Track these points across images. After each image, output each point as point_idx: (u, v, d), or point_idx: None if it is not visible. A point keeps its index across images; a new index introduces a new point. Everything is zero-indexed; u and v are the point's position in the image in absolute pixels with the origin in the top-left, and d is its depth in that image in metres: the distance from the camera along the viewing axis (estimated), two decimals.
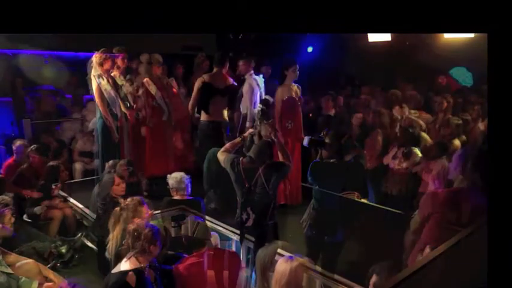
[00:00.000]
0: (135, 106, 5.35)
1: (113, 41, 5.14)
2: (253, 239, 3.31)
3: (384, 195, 5.01)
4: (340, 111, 6.16)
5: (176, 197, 4.04)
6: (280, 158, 3.34)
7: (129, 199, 3.33)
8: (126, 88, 5.27)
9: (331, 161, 3.46)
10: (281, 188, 4.75)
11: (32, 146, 5.22)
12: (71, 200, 5.15)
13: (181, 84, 5.99)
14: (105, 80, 4.78)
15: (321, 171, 3.46)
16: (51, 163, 5.07)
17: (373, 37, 6.43)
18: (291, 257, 2.20)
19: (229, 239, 4.21)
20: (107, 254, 3.18)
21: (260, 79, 5.44)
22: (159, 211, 4.09)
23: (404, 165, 4.80)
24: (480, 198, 3.47)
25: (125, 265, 2.65)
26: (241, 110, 5.30)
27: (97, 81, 4.72)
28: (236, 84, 5.27)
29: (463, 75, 6.68)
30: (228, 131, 5.31)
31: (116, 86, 4.98)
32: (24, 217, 4.67)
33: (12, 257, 3.01)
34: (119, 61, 5.14)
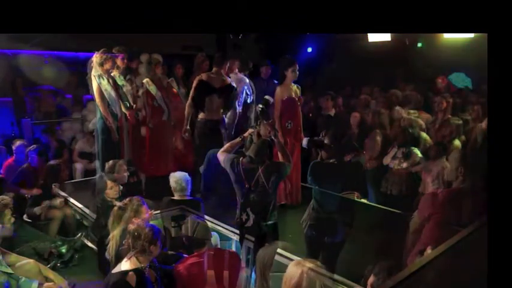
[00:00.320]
0: (135, 106, 5.35)
1: (113, 41, 5.14)
2: (253, 239, 3.30)
3: (383, 195, 5.01)
4: (340, 111, 6.16)
5: (176, 197, 4.05)
6: (280, 158, 3.34)
7: (128, 199, 3.33)
8: (126, 88, 5.27)
9: (331, 161, 3.46)
10: (281, 188, 4.75)
11: (31, 146, 5.22)
12: (71, 200, 5.16)
13: (181, 84, 5.98)
14: (105, 80, 4.78)
15: (320, 172, 3.46)
16: (51, 162, 5.07)
17: (373, 37, 6.43)
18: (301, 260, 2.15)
19: (229, 239, 4.21)
20: (107, 254, 3.19)
21: (246, 79, 5.52)
22: (159, 211, 4.10)
23: (404, 165, 4.80)
24: (480, 198, 3.47)
25: (125, 265, 2.65)
26: (237, 109, 5.33)
27: (97, 81, 4.72)
28: (233, 84, 5.28)
29: (462, 81, 6.68)
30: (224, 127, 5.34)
31: (116, 86, 4.99)
32: (24, 217, 4.68)
33: (12, 257, 3.01)
34: (118, 61, 5.14)
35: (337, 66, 7.78)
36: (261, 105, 4.55)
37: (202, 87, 5.07)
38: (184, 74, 6.04)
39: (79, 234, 4.46)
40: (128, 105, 5.21)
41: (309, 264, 1.99)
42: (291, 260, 3.55)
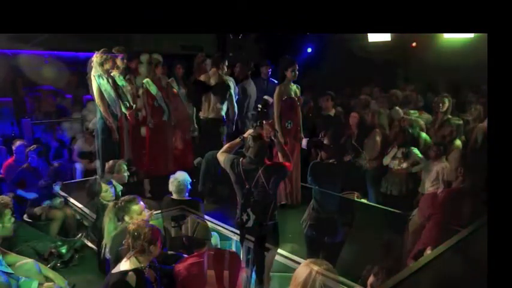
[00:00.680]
0: (135, 106, 5.35)
1: (113, 41, 5.15)
2: (253, 239, 3.30)
3: (383, 195, 5.01)
4: (340, 112, 6.16)
5: (176, 197, 4.05)
6: (280, 158, 3.34)
7: (123, 197, 3.34)
8: (126, 88, 5.27)
9: (331, 161, 3.46)
10: (281, 188, 4.76)
11: (31, 146, 5.22)
12: (71, 199, 5.16)
13: (181, 84, 5.99)
14: (105, 80, 4.78)
15: (320, 172, 3.46)
16: (55, 165, 5.09)
17: (373, 37, 6.43)
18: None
19: (229, 239, 4.21)
20: (106, 254, 3.19)
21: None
22: (159, 211, 4.10)
23: (404, 165, 4.81)
24: (480, 198, 3.47)
25: (125, 265, 2.65)
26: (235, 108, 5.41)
27: (97, 81, 4.72)
28: (228, 83, 5.33)
29: None
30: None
31: (115, 86, 4.99)
32: (25, 217, 4.67)
33: (12, 257, 3.01)
34: (118, 61, 5.14)
35: (337, 66, 7.77)
36: (260, 106, 4.55)
37: (197, 86, 5.28)
38: (184, 74, 6.03)
39: (79, 235, 4.46)
40: (128, 105, 5.21)
41: (317, 265, 1.98)
42: (292, 260, 3.57)
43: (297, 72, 4.87)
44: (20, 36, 5.64)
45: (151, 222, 3.12)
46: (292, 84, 4.95)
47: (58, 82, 7.04)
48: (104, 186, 4.06)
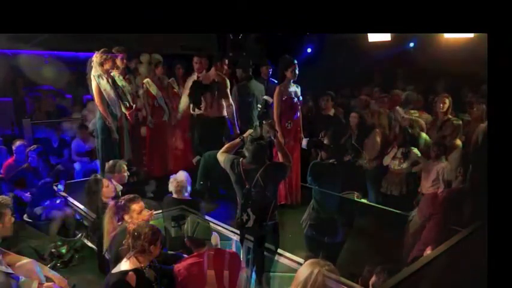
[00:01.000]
0: (134, 106, 5.35)
1: (113, 41, 5.14)
2: (253, 239, 3.30)
3: (383, 195, 5.01)
4: (339, 112, 6.16)
5: (176, 196, 4.05)
6: (280, 158, 3.34)
7: (123, 196, 3.34)
8: (126, 88, 5.27)
9: (331, 161, 3.46)
10: (281, 188, 4.75)
11: (31, 146, 5.22)
12: (71, 200, 5.16)
13: (181, 84, 5.99)
14: (105, 80, 4.78)
15: (320, 172, 3.46)
16: (59, 167, 5.10)
17: (373, 37, 6.42)
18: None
19: (229, 239, 4.21)
20: (106, 254, 3.19)
21: None
22: (159, 211, 4.10)
23: (404, 165, 4.81)
24: (479, 198, 3.47)
25: (125, 265, 2.65)
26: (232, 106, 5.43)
27: (96, 81, 4.72)
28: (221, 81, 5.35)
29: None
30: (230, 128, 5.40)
31: (115, 86, 4.98)
32: (25, 217, 4.67)
33: (12, 257, 3.01)
34: (118, 61, 5.14)
35: (337, 66, 7.77)
36: (260, 106, 4.55)
37: (195, 86, 5.34)
38: (184, 74, 6.03)
39: (79, 235, 4.46)
40: (128, 105, 5.21)
41: (320, 266, 1.99)
42: (292, 260, 3.57)
43: (297, 72, 4.87)
44: (20, 36, 5.63)
45: (151, 222, 3.12)
46: (292, 84, 4.95)
47: (58, 82, 7.03)
48: (105, 182, 4.05)
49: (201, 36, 7.76)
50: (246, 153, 3.19)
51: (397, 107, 5.75)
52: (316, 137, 3.74)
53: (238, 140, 3.40)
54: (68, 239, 4.38)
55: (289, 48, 7.15)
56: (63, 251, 4.14)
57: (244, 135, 3.37)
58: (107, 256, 3.19)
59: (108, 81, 4.81)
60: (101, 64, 4.69)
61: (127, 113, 5.19)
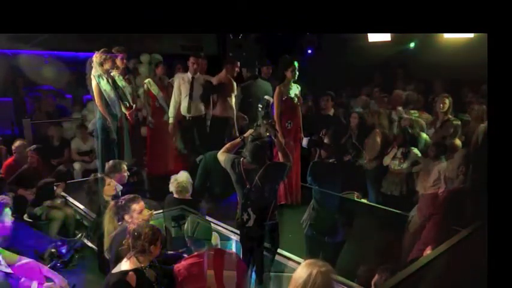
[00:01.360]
0: (134, 106, 5.35)
1: (113, 41, 5.15)
2: (253, 239, 3.30)
3: (384, 195, 5.01)
4: (339, 112, 6.17)
5: (178, 196, 4.05)
6: (281, 158, 3.34)
7: (123, 196, 3.34)
8: (126, 88, 5.28)
9: (331, 161, 3.46)
10: (281, 188, 4.75)
11: (31, 146, 5.22)
12: (71, 200, 5.16)
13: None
14: (105, 80, 4.78)
15: (320, 172, 3.46)
16: (60, 168, 5.10)
17: (373, 37, 6.42)
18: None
19: (229, 239, 4.21)
20: (106, 254, 3.19)
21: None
22: (159, 211, 4.10)
23: (404, 165, 4.81)
24: (479, 198, 3.46)
25: (125, 265, 2.65)
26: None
27: (96, 81, 4.72)
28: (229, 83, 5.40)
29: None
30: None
31: (115, 86, 4.99)
32: (25, 217, 4.67)
33: (12, 256, 3.01)
34: (118, 61, 5.15)
35: (337, 66, 7.77)
36: (261, 106, 4.55)
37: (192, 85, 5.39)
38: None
39: (79, 235, 4.46)
40: (128, 105, 5.21)
41: (318, 267, 1.93)
42: (292, 260, 3.57)
43: (297, 72, 4.87)
44: (20, 36, 5.63)
45: (151, 222, 3.12)
46: (292, 84, 4.95)
47: (58, 82, 7.03)
48: (107, 180, 4.05)
49: (201, 36, 7.77)
50: (247, 153, 3.19)
51: (399, 107, 5.75)
52: (317, 135, 3.72)
53: (238, 139, 3.40)
54: (68, 239, 4.38)
55: (289, 48, 7.16)
56: (63, 251, 4.14)
57: (245, 135, 3.37)
58: (106, 256, 3.19)
59: (108, 81, 4.81)
60: (101, 64, 4.69)
61: (127, 113, 5.19)
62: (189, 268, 2.91)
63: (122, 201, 3.26)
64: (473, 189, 3.74)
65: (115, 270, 2.66)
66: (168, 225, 3.95)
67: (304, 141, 4.85)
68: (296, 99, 4.98)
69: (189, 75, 5.36)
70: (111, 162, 4.33)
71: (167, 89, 5.82)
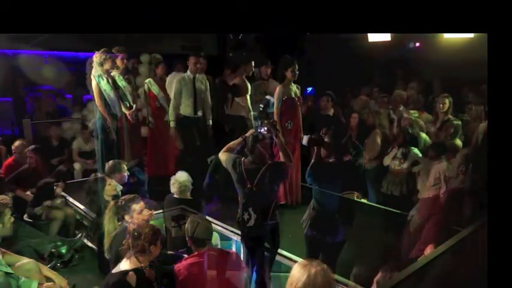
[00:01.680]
0: (135, 106, 5.35)
1: (113, 41, 5.14)
2: (254, 238, 3.30)
3: (384, 195, 5.02)
4: (339, 112, 6.17)
5: (178, 196, 4.05)
6: (282, 158, 3.34)
7: (125, 196, 3.34)
8: (126, 88, 5.28)
9: (330, 160, 3.45)
10: (281, 188, 4.75)
11: (31, 146, 5.22)
12: (71, 200, 5.16)
13: None
14: (105, 80, 4.78)
15: (320, 172, 3.46)
16: (60, 168, 5.09)
17: (373, 37, 6.42)
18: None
19: (229, 239, 4.21)
20: (106, 254, 3.19)
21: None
22: (159, 211, 4.10)
23: (404, 165, 4.81)
24: (480, 198, 3.47)
25: (125, 265, 2.65)
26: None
27: (96, 81, 4.72)
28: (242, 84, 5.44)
29: None
30: None
31: (115, 86, 4.98)
32: (25, 217, 4.67)
33: (12, 256, 3.01)
34: (118, 61, 5.15)
35: (337, 66, 7.77)
36: (262, 106, 4.55)
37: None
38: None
39: (79, 235, 4.46)
40: (128, 105, 5.21)
41: (314, 267, 1.86)
42: (292, 260, 3.57)
43: (297, 72, 4.87)
44: (20, 36, 5.63)
45: (151, 222, 3.13)
46: (292, 84, 4.96)
47: (58, 82, 7.04)
48: (108, 179, 4.05)
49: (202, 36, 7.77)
50: (249, 152, 3.20)
51: (400, 107, 5.75)
52: (317, 134, 3.72)
53: (240, 139, 3.41)
54: (68, 239, 4.38)
55: (289, 48, 7.15)
56: (63, 251, 4.14)
57: (246, 134, 3.37)
58: (106, 256, 3.19)
59: (108, 81, 4.81)
60: (101, 64, 4.69)
61: (127, 113, 5.19)
62: (189, 268, 2.91)
63: (122, 201, 3.26)
64: (473, 189, 3.74)
65: (115, 270, 2.66)
66: (168, 225, 3.95)
67: (305, 140, 4.84)
68: (296, 99, 4.98)
69: (189, 75, 5.25)
70: (111, 162, 4.34)
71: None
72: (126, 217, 3.22)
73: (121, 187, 4.24)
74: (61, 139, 6.44)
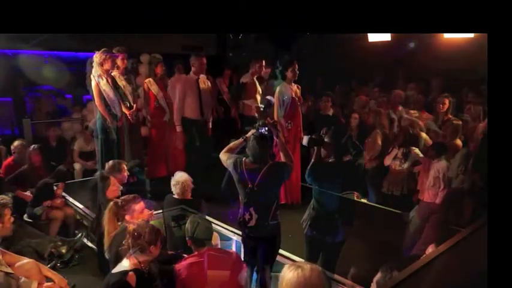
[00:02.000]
0: (135, 106, 5.35)
1: (113, 41, 5.15)
2: (255, 238, 3.30)
3: (384, 195, 5.02)
4: (338, 112, 6.17)
5: (179, 197, 4.05)
6: (282, 158, 3.34)
7: (125, 196, 3.34)
8: (127, 88, 5.28)
9: (330, 160, 3.45)
10: (281, 187, 4.75)
11: (31, 146, 5.22)
12: (71, 200, 5.16)
13: None
14: (105, 80, 4.78)
15: (320, 172, 3.46)
16: (60, 167, 5.10)
17: (373, 37, 6.42)
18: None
19: (229, 239, 4.21)
20: (106, 254, 3.19)
21: None
22: (159, 211, 4.10)
23: (405, 165, 4.81)
24: (480, 198, 3.47)
25: (125, 265, 2.65)
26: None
27: (96, 81, 4.72)
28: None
29: None
30: None
31: (115, 86, 4.99)
32: (25, 217, 4.67)
33: (12, 257, 3.01)
34: (118, 61, 5.15)
35: (336, 66, 7.77)
36: (262, 106, 4.55)
37: None
38: (185, 74, 6.03)
39: (79, 235, 4.46)
40: (128, 105, 5.21)
41: (306, 270, 1.77)
42: (292, 260, 3.57)
43: (297, 72, 4.88)
44: (20, 36, 5.64)
45: (151, 222, 3.13)
46: (292, 84, 4.96)
47: (58, 82, 7.04)
48: (113, 180, 4.04)
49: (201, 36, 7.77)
50: (250, 152, 3.20)
51: (399, 107, 5.76)
52: (317, 134, 3.72)
53: (240, 139, 3.41)
54: (68, 239, 4.38)
55: (289, 48, 7.16)
56: (63, 251, 4.14)
57: (247, 135, 3.37)
58: (107, 256, 3.19)
59: (108, 81, 4.81)
60: (101, 64, 4.69)
61: (127, 113, 5.19)
62: (189, 268, 2.91)
63: (122, 202, 3.26)
64: (473, 188, 3.74)
65: (115, 270, 2.66)
66: (168, 225, 3.95)
67: (305, 140, 4.83)
68: (296, 99, 4.99)
69: (193, 76, 5.17)
70: (111, 162, 4.34)
71: (168, 89, 5.81)
72: (126, 217, 3.22)
73: (121, 187, 4.24)
74: (59, 140, 6.44)
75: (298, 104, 5.06)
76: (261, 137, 3.18)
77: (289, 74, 4.85)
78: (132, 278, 2.57)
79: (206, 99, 5.22)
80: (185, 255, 3.21)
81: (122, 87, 5.19)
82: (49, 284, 2.87)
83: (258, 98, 5.54)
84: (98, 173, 4.36)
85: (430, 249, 3.00)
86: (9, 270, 2.80)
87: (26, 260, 2.96)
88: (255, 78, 5.56)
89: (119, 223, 3.25)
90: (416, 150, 4.79)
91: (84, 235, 4.48)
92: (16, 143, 5.29)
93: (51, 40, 5.95)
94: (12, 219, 3.24)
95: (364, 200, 5.30)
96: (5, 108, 6.85)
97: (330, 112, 5.84)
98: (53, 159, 5.98)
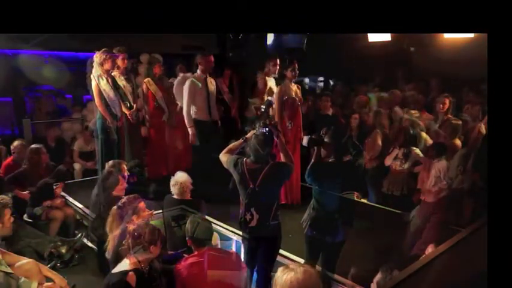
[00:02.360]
0: (135, 106, 5.35)
1: (113, 41, 5.15)
2: (256, 238, 3.30)
3: (385, 195, 5.02)
4: (338, 112, 6.17)
5: (179, 197, 4.05)
6: (283, 159, 3.34)
7: (126, 197, 3.34)
8: (127, 88, 5.28)
9: (330, 160, 3.45)
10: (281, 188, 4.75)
11: (31, 146, 5.21)
12: (71, 199, 5.16)
13: None
14: (105, 80, 4.78)
15: (320, 172, 3.46)
16: (60, 167, 5.09)
17: (373, 37, 6.42)
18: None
19: (229, 239, 4.21)
20: (106, 254, 3.19)
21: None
22: (159, 211, 4.10)
23: (405, 166, 4.81)
24: (480, 198, 3.47)
25: (125, 265, 2.65)
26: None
27: (96, 81, 4.72)
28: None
29: None
30: None
31: (116, 86, 4.99)
32: (25, 217, 4.67)
33: (12, 257, 3.01)
34: (119, 61, 5.15)
35: (336, 65, 7.77)
36: (263, 106, 4.55)
37: None
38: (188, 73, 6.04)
39: (79, 235, 4.46)
40: (128, 105, 5.21)
41: (299, 274, 1.74)
42: (292, 260, 3.57)
43: (297, 72, 4.87)
44: (20, 36, 5.64)
45: (151, 222, 3.13)
46: (292, 84, 4.96)
47: (58, 82, 7.04)
48: (121, 179, 4.03)
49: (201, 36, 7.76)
50: (251, 152, 3.20)
51: (396, 107, 5.75)
52: (317, 134, 3.72)
53: (241, 140, 3.40)
54: (68, 239, 4.38)
55: (289, 48, 7.16)
56: (63, 251, 4.13)
57: (247, 135, 3.37)
58: (107, 256, 3.19)
59: (108, 81, 4.81)
60: (101, 64, 4.69)
61: (128, 113, 5.19)
62: (189, 268, 2.91)
63: (122, 202, 3.26)
64: (473, 188, 3.74)
65: (115, 270, 2.66)
66: (168, 225, 3.95)
67: (305, 140, 4.84)
68: (297, 99, 4.98)
69: (202, 75, 5.06)
70: (110, 162, 4.33)
71: (168, 89, 5.82)
72: (127, 217, 3.21)
73: None
74: (59, 140, 6.43)
75: (299, 104, 5.05)
76: (262, 137, 3.18)
77: (288, 74, 4.84)
78: (132, 278, 2.57)
79: (213, 99, 5.18)
80: (185, 255, 3.21)
81: (122, 87, 5.20)
82: (49, 284, 2.87)
83: (265, 98, 5.47)
84: (104, 172, 4.31)
85: (430, 249, 3.00)
86: (9, 270, 2.80)
87: (26, 260, 2.96)
88: (266, 78, 5.45)
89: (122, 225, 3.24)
90: (417, 151, 4.79)
91: (84, 235, 4.47)
92: (16, 143, 5.29)
93: (51, 40, 5.95)
94: (12, 219, 3.24)
95: (364, 200, 5.29)
96: (5, 108, 6.85)
97: (330, 112, 5.85)
98: (51, 159, 5.98)
